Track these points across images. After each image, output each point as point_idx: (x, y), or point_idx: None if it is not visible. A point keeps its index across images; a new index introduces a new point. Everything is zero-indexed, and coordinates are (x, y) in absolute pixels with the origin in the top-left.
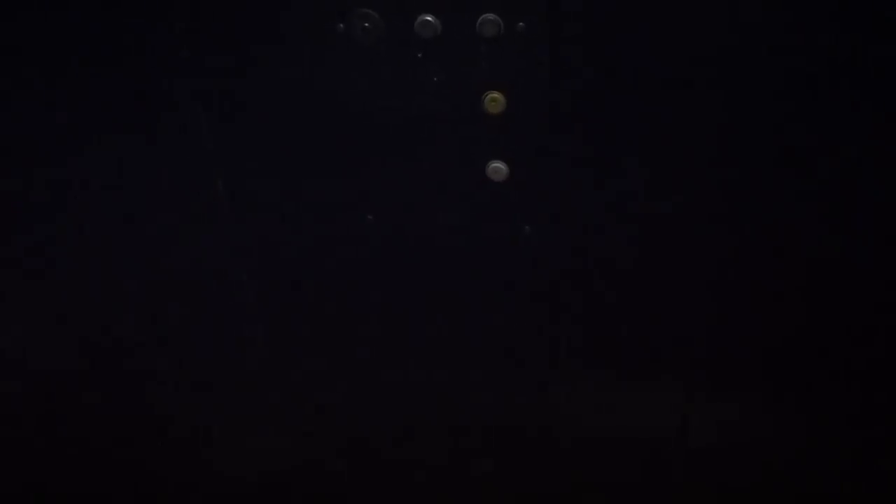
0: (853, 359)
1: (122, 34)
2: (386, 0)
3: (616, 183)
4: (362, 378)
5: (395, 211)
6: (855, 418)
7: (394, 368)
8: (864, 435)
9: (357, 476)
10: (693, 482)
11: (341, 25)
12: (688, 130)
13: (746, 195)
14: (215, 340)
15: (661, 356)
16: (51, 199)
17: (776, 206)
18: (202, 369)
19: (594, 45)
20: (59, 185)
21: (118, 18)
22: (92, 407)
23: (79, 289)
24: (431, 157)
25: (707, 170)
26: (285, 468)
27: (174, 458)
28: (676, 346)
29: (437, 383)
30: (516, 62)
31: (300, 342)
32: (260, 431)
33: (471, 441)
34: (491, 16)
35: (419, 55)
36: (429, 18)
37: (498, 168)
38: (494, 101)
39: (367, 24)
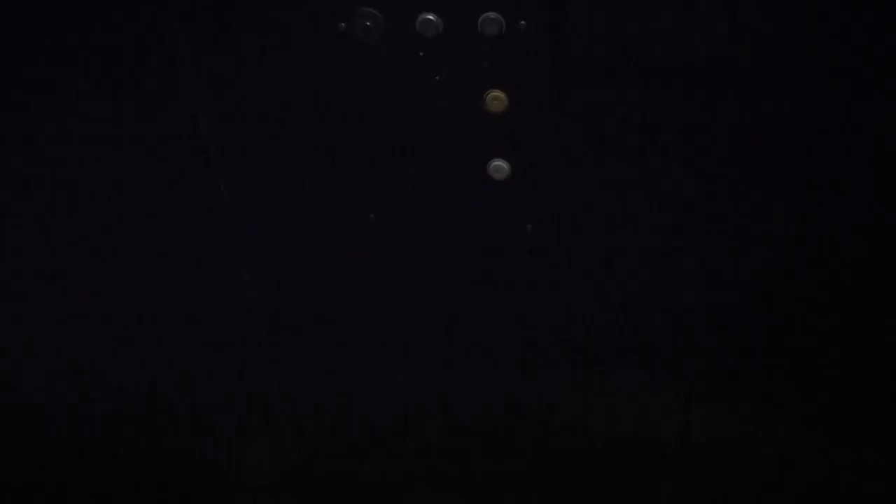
0: (855, 358)
1: (122, 32)
2: None
3: (618, 182)
4: (364, 377)
5: (397, 209)
6: (856, 417)
7: (395, 367)
8: (865, 434)
9: (359, 475)
10: (694, 482)
11: (343, 24)
12: (692, 128)
13: (749, 194)
14: (217, 339)
15: (663, 356)
16: (51, 198)
17: (778, 206)
18: (204, 368)
19: (596, 44)
20: (59, 185)
21: (118, 17)
22: (93, 406)
23: (79, 288)
24: (433, 155)
25: (710, 169)
26: (287, 468)
27: (175, 457)
28: (678, 346)
29: (437, 382)
30: (518, 61)
31: (303, 341)
32: (262, 431)
33: (471, 441)
34: (493, 14)
35: (421, 54)
36: (430, 17)
37: (500, 166)
38: (496, 99)
39: (368, 23)
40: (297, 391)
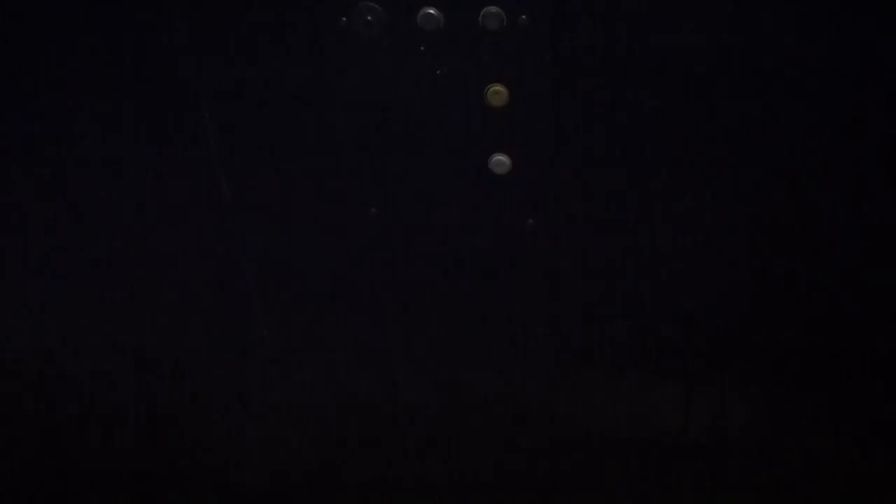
0: (857, 356)
1: (122, 30)
2: None
3: (619, 176)
4: (365, 374)
5: (398, 203)
6: (857, 415)
7: (395, 362)
8: (866, 432)
9: (362, 474)
10: (695, 480)
11: (344, 18)
12: (694, 124)
13: (752, 192)
14: (218, 337)
15: (664, 353)
16: (50, 198)
17: (779, 205)
18: (206, 367)
19: (598, 38)
20: (59, 185)
21: (119, 15)
22: (95, 406)
23: (80, 287)
24: (434, 149)
25: (713, 167)
26: (290, 468)
27: (178, 457)
28: (680, 342)
29: (438, 378)
30: (519, 55)
31: (305, 336)
32: (265, 431)
33: (472, 437)
34: (494, 8)
35: (422, 48)
36: (431, 11)
37: (501, 161)
38: (497, 93)
39: (369, 17)
40: (299, 389)
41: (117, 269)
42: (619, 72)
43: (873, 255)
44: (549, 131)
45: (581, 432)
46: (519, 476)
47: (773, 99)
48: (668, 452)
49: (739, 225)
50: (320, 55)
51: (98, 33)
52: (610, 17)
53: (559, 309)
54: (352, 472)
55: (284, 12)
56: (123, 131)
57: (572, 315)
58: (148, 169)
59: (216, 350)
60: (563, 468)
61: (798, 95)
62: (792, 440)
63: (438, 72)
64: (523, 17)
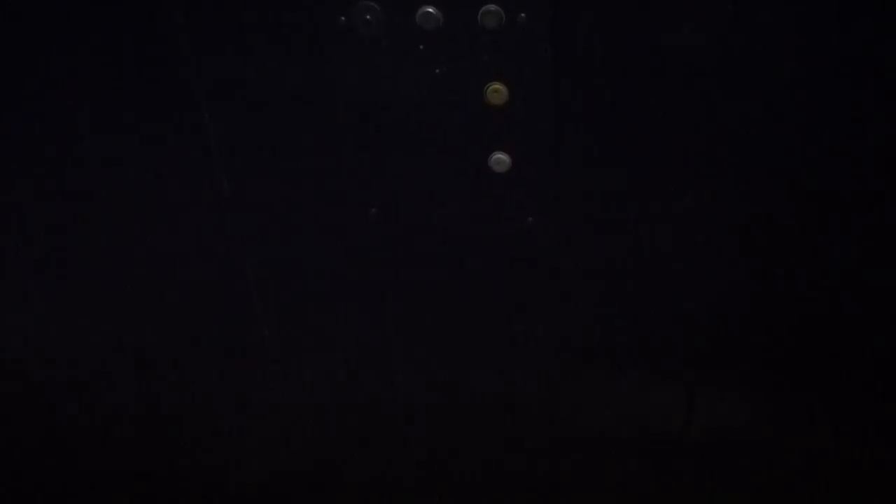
0: (857, 354)
1: (124, 28)
2: None
3: (619, 175)
4: (366, 371)
5: (398, 202)
6: (858, 413)
7: (396, 360)
8: (867, 429)
9: (362, 474)
10: (696, 477)
11: (343, 18)
12: (694, 123)
13: (751, 190)
14: (220, 335)
15: (665, 351)
16: (51, 196)
17: (780, 204)
18: (208, 366)
19: (597, 36)
20: (59, 183)
21: (120, 13)
22: (98, 405)
23: (81, 286)
24: (434, 148)
25: (713, 166)
26: (292, 468)
27: (180, 456)
28: (680, 341)
29: (439, 375)
30: (518, 53)
31: (305, 335)
32: (267, 430)
33: (474, 435)
34: (492, 7)
35: (421, 47)
36: (430, 10)
37: (500, 159)
38: (497, 92)
39: (369, 17)
40: (299, 389)
41: (117, 269)
42: (618, 70)
43: (874, 254)
44: (548, 129)
45: (581, 431)
46: (519, 475)
47: (774, 98)
48: (668, 452)
49: (740, 224)
50: (320, 54)
51: (98, 33)
52: (609, 16)
53: (560, 307)
54: (352, 471)
55: (284, 11)
56: (123, 131)
57: (573, 313)
58: (147, 169)
59: (216, 350)
60: (564, 468)
61: (798, 94)
62: (792, 439)
63: (438, 71)
64: (522, 15)
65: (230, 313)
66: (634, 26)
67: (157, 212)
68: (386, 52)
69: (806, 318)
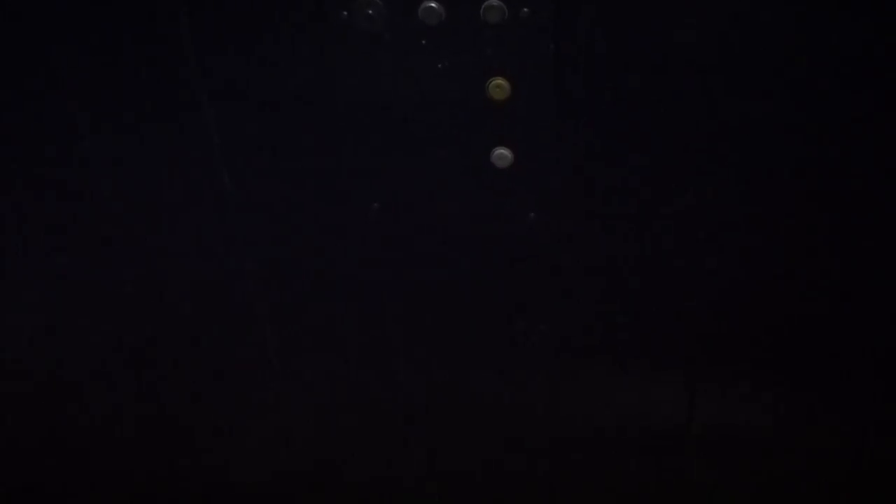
0: (859, 352)
1: (124, 25)
2: None
3: (621, 170)
4: (368, 370)
5: (400, 198)
6: (860, 411)
7: (397, 358)
8: (869, 427)
9: (365, 474)
10: (697, 475)
11: (345, 13)
12: (697, 119)
13: (755, 187)
14: (221, 334)
15: (666, 348)
16: (51, 195)
17: (782, 201)
18: (209, 366)
19: (599, 31)
20: (59, 182)
21: (120, 11)
22: (98, 405)
23: (82, 284)
24: (436, 144)
25: (715, 162)
26: (292, 468)
27: (180, 456)
28: (681, 339)
29: (440, 372)
30: (521, 48)
31: (305, 334)
32: (267, 430)
33: (474, 435)
34: (495, 2)
35: (423, 42)
36: (433, 5)
37: (502, 154)
38: (499, 87)
39: (371, 12)
40: (299, 388)
41: (117, 269)
42: (621, 65)
43: (875, 252)
44: (551, 125)
45: (582, 431)
46: (520, 475)
47: (775, 96)
48: (670, 450)
49: (742, 221)
50: (320, 49)
51: (98, 32)
52: (612, 11)
53: (561, 304)
54: (352, 471)
55: (285, 6)
56: (123, 130)
57: (574, 310)
58: (148, 168)
59: (216, 349)
60: (564, 468)
61: (802, 92)
62: (794, 436)
63: (440, 66)
64: (524, 10)
65: (230, 313)
66: (637, 21)
67: (157, 211)
68: (388, 47)
69: (807, 315)
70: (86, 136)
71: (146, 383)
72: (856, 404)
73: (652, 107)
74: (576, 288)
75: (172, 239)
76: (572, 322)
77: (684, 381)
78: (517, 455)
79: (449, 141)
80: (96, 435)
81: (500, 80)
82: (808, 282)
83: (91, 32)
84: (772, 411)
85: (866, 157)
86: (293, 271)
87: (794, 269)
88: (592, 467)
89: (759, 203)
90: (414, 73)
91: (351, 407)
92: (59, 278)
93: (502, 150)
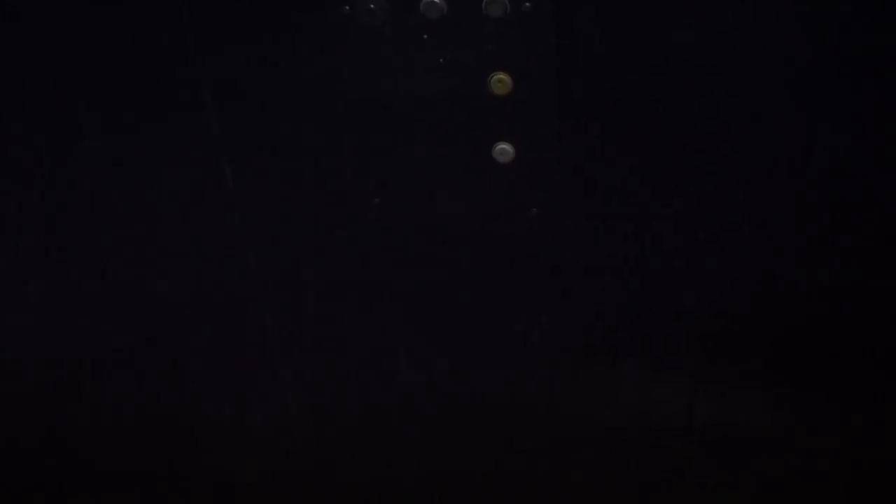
0: (860, 350)
1: (122, 28)
2: None
3: (624, 166)
4: (368, 367)
5: (401, 193)
6: (862, 409)
7: (398, 356)
8: (870, 425)
9: (365, 474)
10: (699, 474)
11: (347, 7)
12: (697, 116)
13: (756, 185)
14: (222, 331)
15: (667, 347)
16: (51, 194)
17: (783, 200)
18: (209, 362)
19: (601, 26)
20: (59, 180)
21: (119, 11)
22: (98, 402)
23: (80, 285)
24: (437, 138)
25: (716, 159)
26: (292, 468)
27: (180, 456)
28: (683, 337)
29: (441, 370)
30: (523, 43)
31: (305, 333)
32: (267, 430)
33: (476, 431)
34: None
35: (425, 36)
36: None
37: (504, 150)
38: (501, 82)
39: (372, 6)
40: (300, 387)
41: (117, 268)
42: (623, 61)
43: (875, 251)
44: (552, 120)
45: (583, 430)
46: (520, 474)
47: (776, 94)
48: (671, 449)
49: (743, 219)
50: (322, 44)
51: (98, 32)
52: (614, 6)
53: (563, 299)
54: (351, 471)
55: (287, 1)
56: (123, 129)
57: (575, 308)
58: (148, 166)
59: (216, 349)
60: (564, 467)
61: (799, 93)
62: (796, 435)
63: (441, 60)
64: (527, 4)
65: (230, 312)
66: (640, 18)
67: (157, 210)
68: (389, 42)
69: (809, 313)
70: (86, 135)
71: (146, 383)
72: (856, 404)
73: (654, 103)
74: (576, 286)
75: (172, 238)
76: (572, 320)
77: (684, 381)
78: (517, 455)
79: (450, 136)
80: (96, 435)
81: (501, 75)
82: (809, 281)
83: (91, 32)
84: (772, 411)
85: (867, 157)
86: (293, 268)
87: (795, 268)
88: (592, 467)
89: (759, 203)
90: (415, 68)
91: (350, 406)
92: (59, 278)
93: (504, 145)
